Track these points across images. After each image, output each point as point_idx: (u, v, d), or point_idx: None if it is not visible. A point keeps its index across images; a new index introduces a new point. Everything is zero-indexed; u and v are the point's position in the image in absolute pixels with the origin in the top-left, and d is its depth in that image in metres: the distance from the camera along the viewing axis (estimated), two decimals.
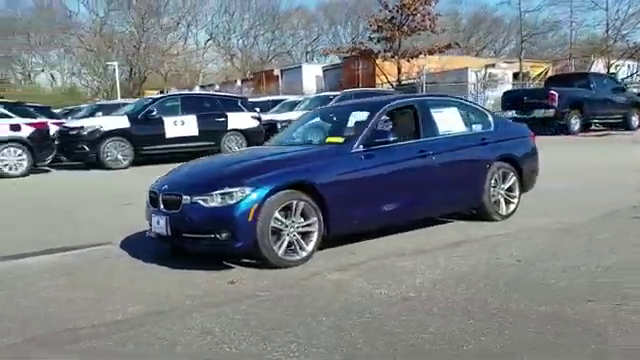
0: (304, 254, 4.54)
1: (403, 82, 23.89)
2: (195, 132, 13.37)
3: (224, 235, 4.28)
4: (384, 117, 5.51)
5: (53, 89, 46.92)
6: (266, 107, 19.86)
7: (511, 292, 3.71)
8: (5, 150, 11.60)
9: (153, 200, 4.80)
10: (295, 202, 4.48)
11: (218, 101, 14.70)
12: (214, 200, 4.32)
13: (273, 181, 4.42)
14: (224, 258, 4.63)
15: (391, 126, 6.00)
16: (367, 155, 5.04)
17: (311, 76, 33.45)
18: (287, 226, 4.44)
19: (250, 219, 4.25)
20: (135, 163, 12.89)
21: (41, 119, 12.98)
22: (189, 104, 13.90)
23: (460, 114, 6.09)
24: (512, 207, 6.15)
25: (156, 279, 4.33)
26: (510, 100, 18.08)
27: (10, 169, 11.61)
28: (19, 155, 11.69)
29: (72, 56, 49.46)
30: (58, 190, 10.28)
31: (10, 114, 12.14)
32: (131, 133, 12.81)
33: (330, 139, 5.32)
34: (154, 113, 13.10)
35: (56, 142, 12.71)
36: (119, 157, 12.71)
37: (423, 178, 5.41)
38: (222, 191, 4.32)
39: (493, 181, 5.93)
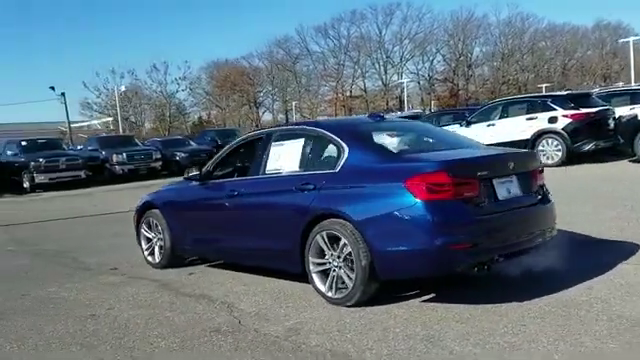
0: (155, 261, 5.99)
1: None
2: None
3: None
4: (240, 150, 5.64)
5: None
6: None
7: None
8: (544, 141, 12.26)
9: None
10: (150, 219, 6.02)
11: None
12: None
13: (143, 200, 6.27)
14: None
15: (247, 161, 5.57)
16: (197, 188, 5.62)
17: None
18: (154, 236, 6.01)
19: (135, 224, 6.29)
20: None
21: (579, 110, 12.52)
22: None
23: (304, 149, 4.72)
24: (344, 292, 4.06)
25: None
26: None
27: (548, 159, 12.03)
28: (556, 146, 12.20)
29: None
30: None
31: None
32: None
33: None
34: None
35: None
36: None
37: (226, 220, 5.21)
38: None
39: (317, 245, 4.24)
